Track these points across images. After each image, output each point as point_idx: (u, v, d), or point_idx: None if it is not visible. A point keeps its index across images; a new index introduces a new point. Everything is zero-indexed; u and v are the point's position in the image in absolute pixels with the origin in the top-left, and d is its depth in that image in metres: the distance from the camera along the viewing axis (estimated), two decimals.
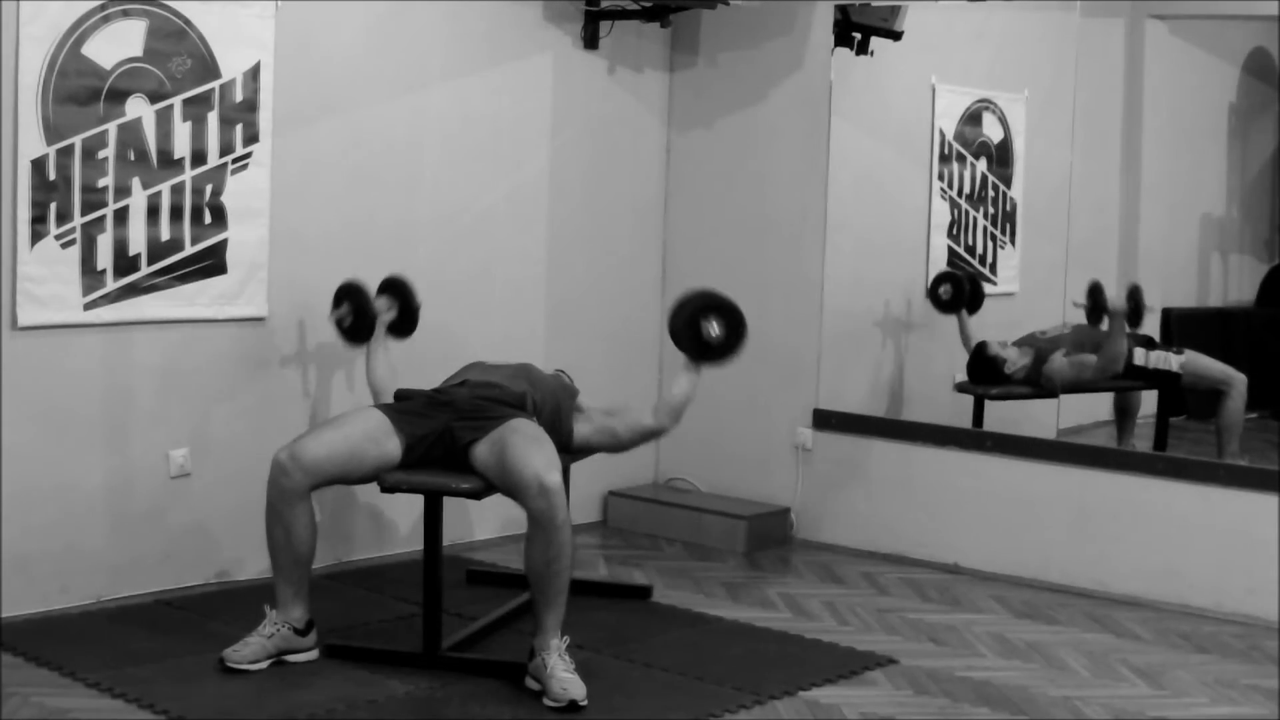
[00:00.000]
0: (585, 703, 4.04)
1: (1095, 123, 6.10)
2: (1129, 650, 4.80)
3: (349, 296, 5.02)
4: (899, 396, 6.37)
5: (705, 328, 4.59)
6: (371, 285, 5.04)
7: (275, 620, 4.29)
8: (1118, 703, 4.28)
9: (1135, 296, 5.89)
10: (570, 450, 4.74)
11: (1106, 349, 5.83)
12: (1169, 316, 6.31)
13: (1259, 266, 6.87)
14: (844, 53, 6.03)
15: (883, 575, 5.65)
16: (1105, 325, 5.89)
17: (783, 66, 6.14)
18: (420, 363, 5.47)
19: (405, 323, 5.09)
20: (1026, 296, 6.25)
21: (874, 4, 6.01)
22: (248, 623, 4.36)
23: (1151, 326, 6.18)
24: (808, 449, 6.12)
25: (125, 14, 4.69)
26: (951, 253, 6.31)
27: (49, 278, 4.60)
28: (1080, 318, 5.98)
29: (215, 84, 4.93)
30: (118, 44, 4.68)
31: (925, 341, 6.47)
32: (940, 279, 6.24)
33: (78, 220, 4.64)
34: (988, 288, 6.24)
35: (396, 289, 5.08)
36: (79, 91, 4.61)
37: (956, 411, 6.05)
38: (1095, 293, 5.89)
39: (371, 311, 4.99)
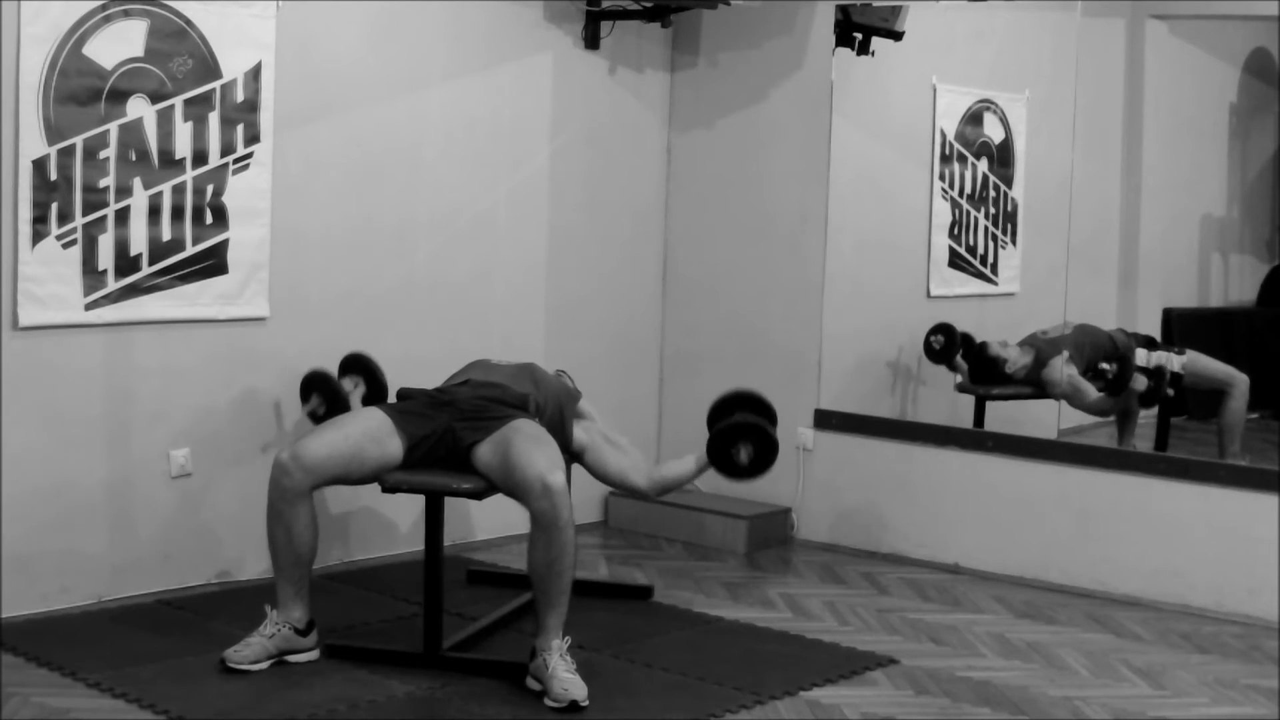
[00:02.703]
0: (586, 703, 4.04)
1: (1096, 123, 6.10)
2: (1129, 650, 4.80)
3: (316, 387, 5.00)
4: (899, 396, 6.36)
5: (736, 452, 4.59)
6: (333, 366, 5.07)
7: (276, 620, 4.29)
8: (1118, 703, 4.29)
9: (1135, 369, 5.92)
10: (570, 451, 4.74)
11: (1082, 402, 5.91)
12: (1170, 317, 6.31)
13: (1259, 266, 6.87)
14: (845, 53, 6.03)
15: (883, 575, 5.65)
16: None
17: (783, 67, 6.14)
18: (422, 362, 5.48)
19: (376, 395, 5.09)
20: (1027, 296, 6.24)
21: (875, 4, 6.01)
22: (248, 623, 4.36)
23: (1152, 326, 6.18)
24: (808, 449, 6.12)
25: (126, 14, 4.70)
26: (952, 253, 6.31)
27: (50, 278, 4.60)
28: (1080, 317, 5.97)
29: (216, 84, 4.93)
30: (119, 44, 4.68)
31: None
32: (934, 330, 6.24)
33: (79, 220, 4.64)
34: (988, 288, 6.23)
35: (359, 366, 5.10)
36: (80, 91, 4.61)
37: (957, 411, 6.04)
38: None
39: (342, 396, 4.97)
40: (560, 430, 4.60)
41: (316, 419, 4.98)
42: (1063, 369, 5.86)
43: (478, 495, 4.32)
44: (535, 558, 4.14)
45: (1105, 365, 5.87)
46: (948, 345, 6.18)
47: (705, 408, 6.52)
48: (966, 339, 6.18)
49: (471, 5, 5.70)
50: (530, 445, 4.22)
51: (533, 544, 4.15)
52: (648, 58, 6.35)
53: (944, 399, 6.16)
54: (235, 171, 5.00)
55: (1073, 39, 5.83)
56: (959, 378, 6.17)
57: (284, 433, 5.18)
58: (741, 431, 4.60)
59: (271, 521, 4.27)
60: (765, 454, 4.59)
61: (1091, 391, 5.86)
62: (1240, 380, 5.83)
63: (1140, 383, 5.72)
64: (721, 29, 6.28)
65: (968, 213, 6.31)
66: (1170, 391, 5.75)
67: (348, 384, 5.05)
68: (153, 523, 4.95)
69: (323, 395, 4.97)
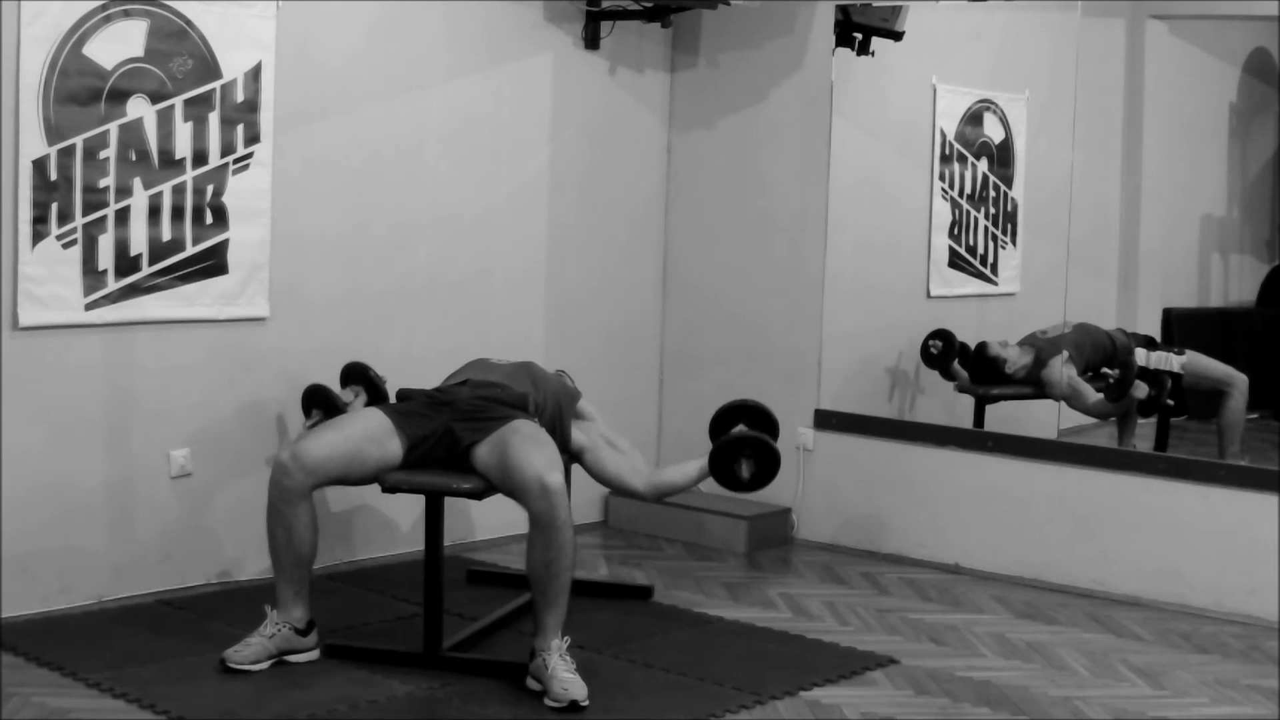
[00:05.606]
0: (586, 703, 4.04)
1: (1096, 123, 6.10)
2: (1129, 650, 4.80)
3: (317, 402, 4.93)
4: (900, 396, 6.36)
5: (739, 466, 4.63)
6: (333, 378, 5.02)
7: (276, 620, 4.29)
8: (1118, 703, 4.29)
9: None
10: (568, 451, 4.74)
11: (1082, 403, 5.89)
12: (1170, 317, 6.31)
13: (1259, 266, 6.87)
14: (845, 53, 6.03)
15: (883, 575, 5.65)
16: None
17: (783, 67, 6.14)
18: (421, 362, 5.48)
19: (375, 402, 5.03)
20: (1027, 296, 6.24)
21: (875, 4, 6.01)
22: (248, 623, 4.37)
23: (1152, 326, 6.18)
24: (808, 449, 6.12)
25: (126, 14, 4.70)
26: (952, 253, 6.32)
27: (50, 278, 4.60)
28: (1080, 317, 5.98)
29: (216, 84, 4.93)
30: (119, 44, 4.68)
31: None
32: (933, 335, 6.24)
33: (79, 220, 4.65)
34: (988, 288, 6.23)
35: (358, 376, 5.02)
36: (80, 92, 4.61)
37: (957, 411, 6.04)
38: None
39: (342, 409, 4.86)
40: (558, 429, 4.60)
41: None
42: (1062, 370, 5.86)
43: (477, 495, 4.32)
44: (533, 558, 4.15)
45: (1108, 370, 5.86)
46: (946, 350, 6.18)
47: (705, 408, 6.52)
48: (964, 348, 6.18)
49: (471, 5, 5.70)
50: (528, 446, 4.22)
51: (531, 544, 4.15)
52: (648, 58, 6.35)
53: (944, 399, 6.16)
54: (235, 172, 5.00)
55: (1073, 39, 5.83)
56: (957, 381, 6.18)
57: (285, 434, 5.18)
58: (745, 445, 4.63)
59: (272, 521, 4.27)
60: (767, 468, 4.63)
61: (1090, 393, 5.85)
62: (1240, 380, 5.83)
63: (1141, 390, 5.71)
64: (721, 29, 6.28)
65: (968, 213, 6.31)
66: (1170, 401, 5.74)
67: (348, 394, 4.99)
68: (153, 523, 4.95)
69: (324, 410, 4.93)
